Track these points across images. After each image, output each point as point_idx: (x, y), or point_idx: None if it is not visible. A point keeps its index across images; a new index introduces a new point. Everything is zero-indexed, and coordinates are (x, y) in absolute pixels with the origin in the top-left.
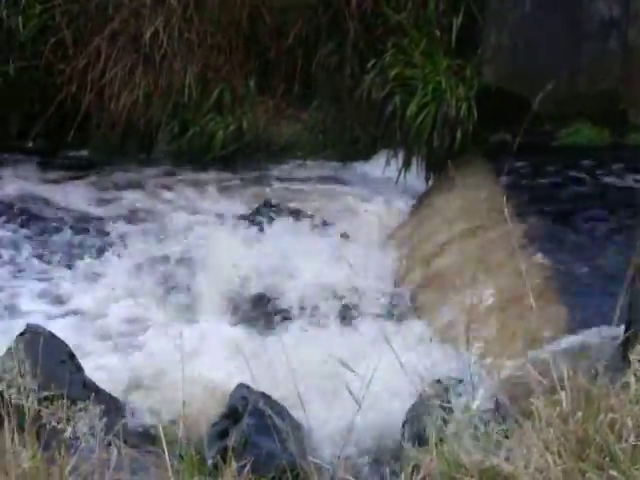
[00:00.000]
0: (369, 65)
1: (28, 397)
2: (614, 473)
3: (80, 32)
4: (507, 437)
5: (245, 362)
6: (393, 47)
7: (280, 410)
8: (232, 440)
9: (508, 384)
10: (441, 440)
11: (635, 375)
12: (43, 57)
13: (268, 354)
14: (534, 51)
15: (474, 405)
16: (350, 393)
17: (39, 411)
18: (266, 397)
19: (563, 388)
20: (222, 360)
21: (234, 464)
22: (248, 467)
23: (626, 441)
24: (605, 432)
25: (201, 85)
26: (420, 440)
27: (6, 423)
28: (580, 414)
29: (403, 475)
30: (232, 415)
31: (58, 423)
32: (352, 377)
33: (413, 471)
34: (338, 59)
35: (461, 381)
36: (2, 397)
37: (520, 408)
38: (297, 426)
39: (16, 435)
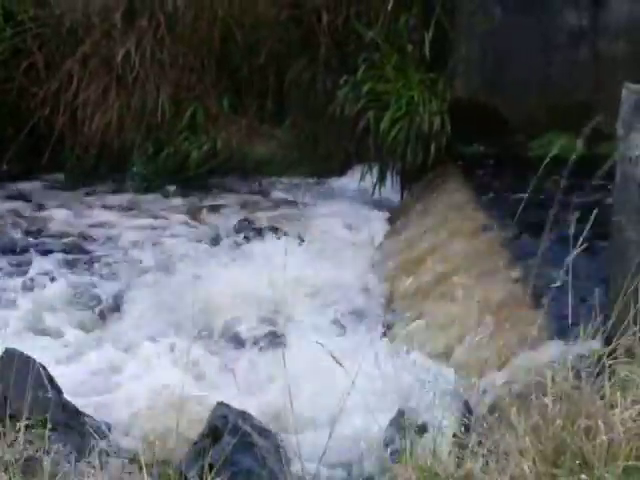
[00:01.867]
0: (342, 81)
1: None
2: (585, 477)
3: (52, 55)
4: (483, 445)
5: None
6: (365, 62)
7: (260, 428)
8: (212, 458)
9: (488, 392)
10: (419, 451)
11: (610, 380)
12: (15, 80)
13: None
14: (505, 63)
15: (452, 414)
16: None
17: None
18: (246, 415)
19: (545, 395)
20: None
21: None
22: None
23: (600, 446)
24: (580, 437)
25: (174, 105)
26: (399, 451)
27: None
28: (559, 421)
29: None
30: (212, 434)
31: (36, 452)
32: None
33: None
34: (310, 75)
35: (437, 392)
36: None
37: (499, 416)
38: (277, 443)
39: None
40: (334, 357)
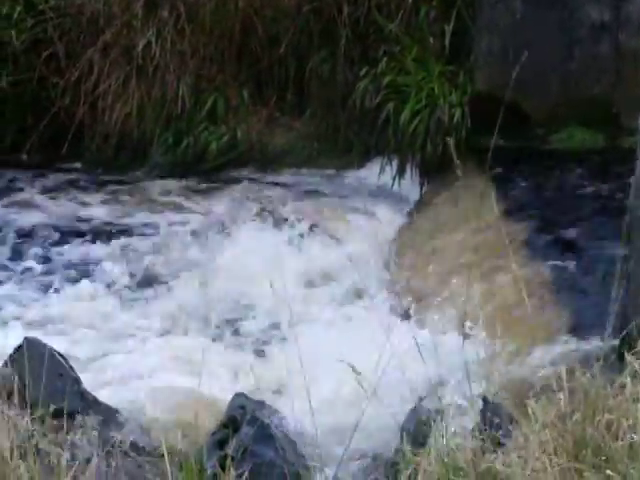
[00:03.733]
0: (362, 73)
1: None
2: (611, 473)
3: (72, 45)
4: (504, 439)
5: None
6: (385, 54)
7: (279, 418)
8: (231, 449)
9: (506, 385)
10: (440, 442)
11: (631, 375)
12: (36, 70)
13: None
14: (526, 56)
15: (472, 407)
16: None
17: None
18: (264, 405)
19: (561, 388)
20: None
21: (233, 472)
22: (246, 475)
23: (622, 440)
24: (602, 433)
25: (194, 96)
26: (419, 443)
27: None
28: (578, 415)
29: (402, 478)
30: (231, 424)
31: (51, 443)
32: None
33: (411, 474)
34: (330, 67)
35: (459, 383)
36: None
37: (518, 409)
38: (296, 433)
39: (15, 450)
40: (353, 368)
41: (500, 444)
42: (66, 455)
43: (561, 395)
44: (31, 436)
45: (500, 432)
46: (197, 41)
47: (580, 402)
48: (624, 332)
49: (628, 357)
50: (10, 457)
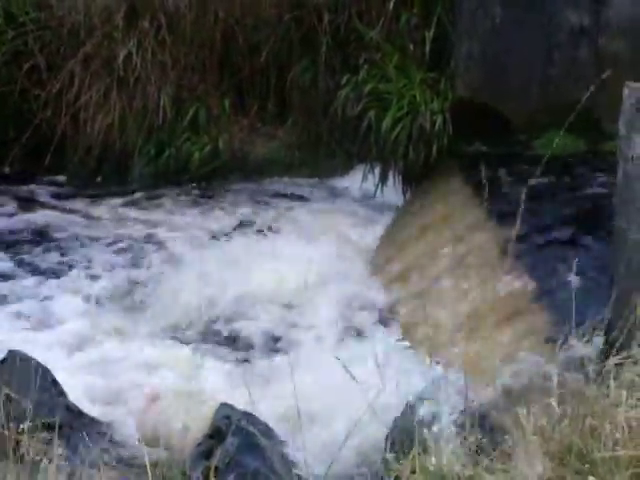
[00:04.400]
0: (343, 81)
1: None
2: (593, 478)
3: (53, 57)
4: (490, 446)
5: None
6: (366, 62)
7: (264, 428)
8: (217, 460)
9: (494, 392)
10: (423, 451)
11: (615, 379)
12: (17, 82)
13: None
14: (505, 62)
15: (456, 416)
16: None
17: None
18: (249, 415)
19: (552, 394)
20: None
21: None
22: None
23: (604, 446)
24: (586, 438)
25: (176, 106)
26: (403, 452)
27: None
28: (566, 421)
29: None
30: (216, 435)
31: (37, 455)
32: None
33: None
34: (312, 75)
35: (441, 390)
36: None
37: (507, 416)
38: (282, 443)
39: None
40: (348, 370)
41: (486, 451)
42: (52, 468)
43: (552, 401)
44: (16, 447)
45: (486, 439)
46: (178, 51)
47: (569, 408)
48: (609, 337)
49: (613, 362)
50: None
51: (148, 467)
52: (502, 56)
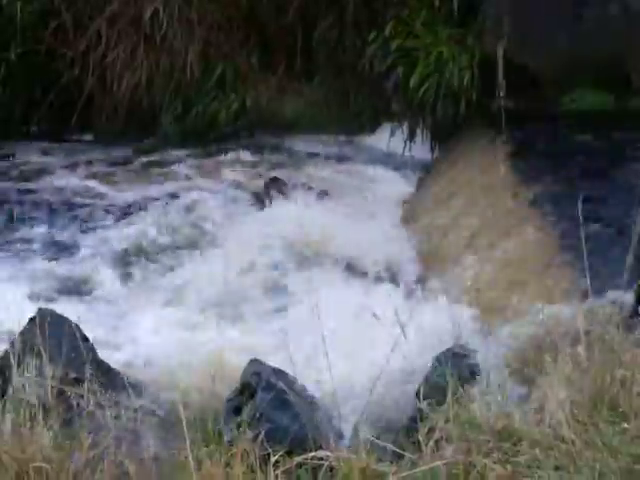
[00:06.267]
0: (370, 37)
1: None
2: (627, 426)
3: (80, 15)
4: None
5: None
6: (393, 19)
7: (293, 384)
8: (246, 415)
9: (522, 342)
10: (457, 401)
11: None
12: (44, 42)
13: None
14: (534, 18)
15: (488, 366)
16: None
17: (60, 391)
18: (279, 371)
19: (580, 342)
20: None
21: (249, 433)
22: (262, 436)
23: (638, 395)
24: (616, 388)
25: (203, 64)
26: (437, 402)
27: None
28: (594, 370)
29: (419, 436)
30: (246, 390)
31: (78, 405)
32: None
33: (429, 432)
34: (338, 33)
35: (474, 343)
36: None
37: (535, 365)
38: (311, 399)
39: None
40: (375, 315)
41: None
42: (84, 423)
43: (579, 350)
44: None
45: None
46: (204, 9)
47: (597, 357)
48: (637, 287)
49: None
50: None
51: (184, 420)
52: (530, 11)
